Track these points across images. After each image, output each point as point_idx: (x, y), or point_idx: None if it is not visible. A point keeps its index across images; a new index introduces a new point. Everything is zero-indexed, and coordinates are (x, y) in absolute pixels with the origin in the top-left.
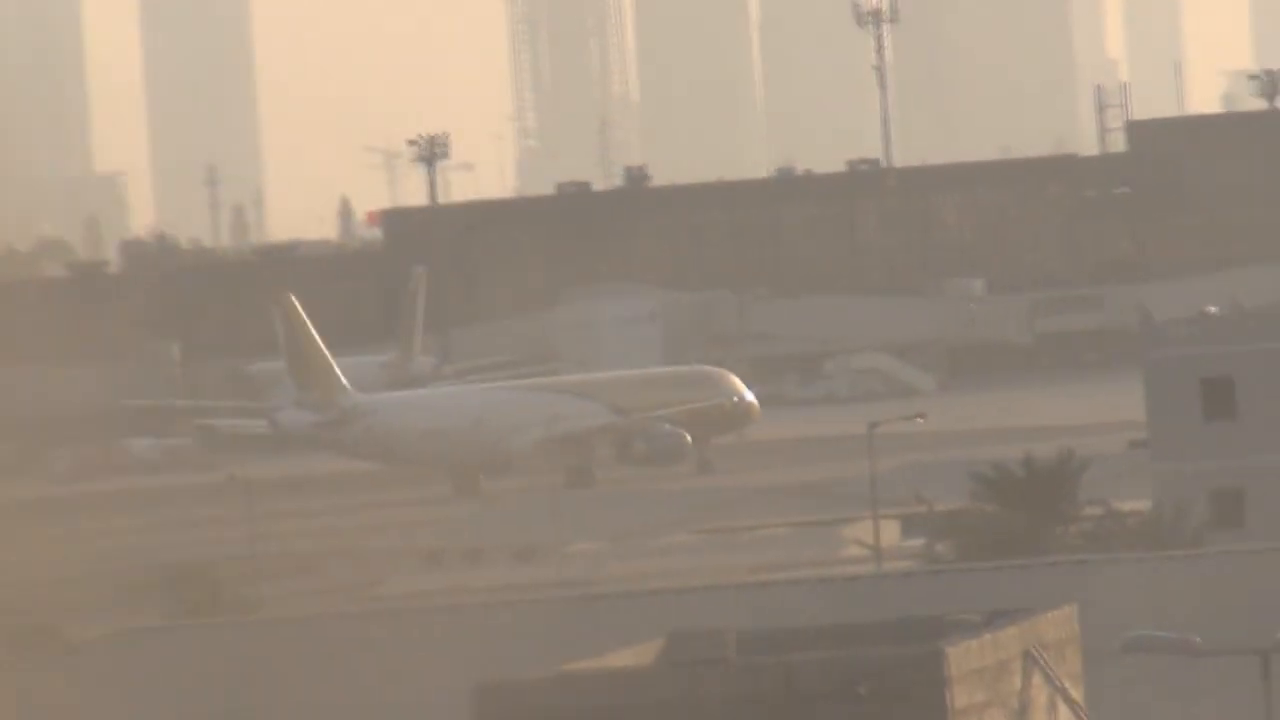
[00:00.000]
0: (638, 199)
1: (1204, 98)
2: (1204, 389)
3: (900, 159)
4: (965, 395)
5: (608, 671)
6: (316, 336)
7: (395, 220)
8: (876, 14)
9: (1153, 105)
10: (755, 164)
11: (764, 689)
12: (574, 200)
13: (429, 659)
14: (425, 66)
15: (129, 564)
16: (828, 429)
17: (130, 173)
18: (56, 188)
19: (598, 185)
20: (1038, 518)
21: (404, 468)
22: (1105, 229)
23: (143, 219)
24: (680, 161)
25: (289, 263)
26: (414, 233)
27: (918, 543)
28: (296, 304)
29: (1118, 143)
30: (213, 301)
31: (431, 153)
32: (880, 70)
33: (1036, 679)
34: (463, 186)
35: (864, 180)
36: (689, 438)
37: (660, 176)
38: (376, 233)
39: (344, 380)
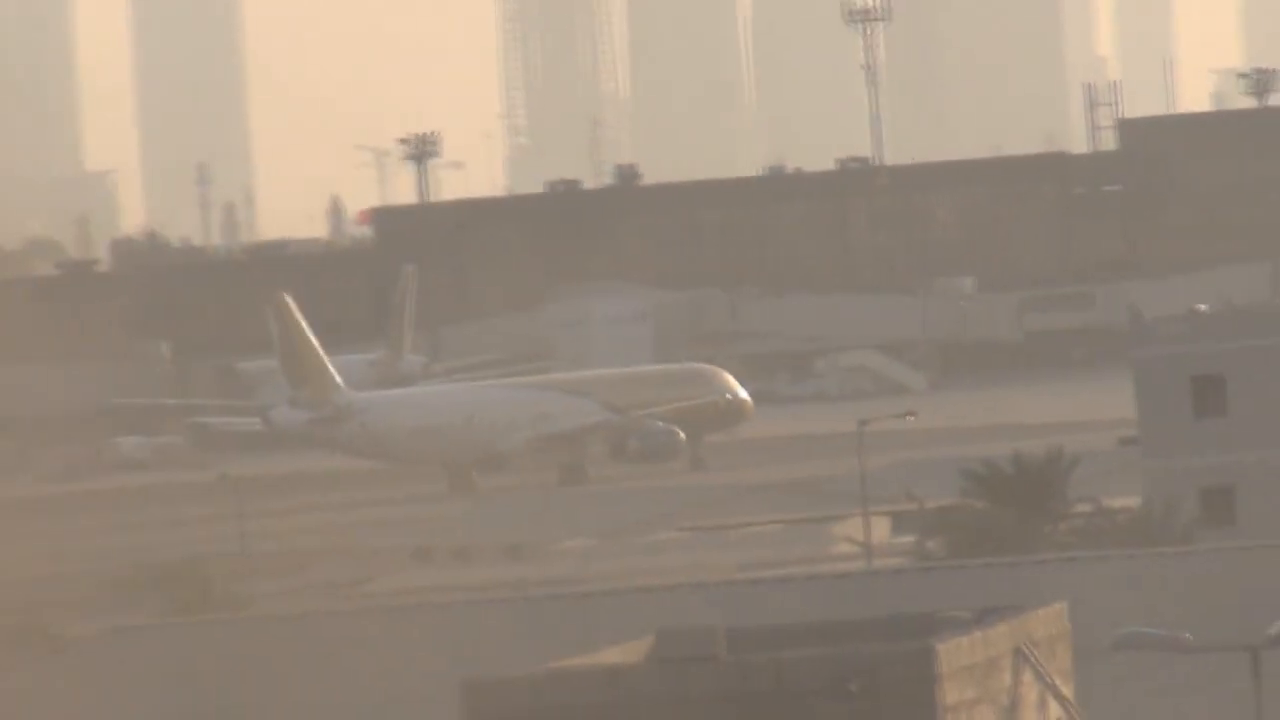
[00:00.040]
0: (628, 197)
1: (1194, 96)
2: (1194, 386)
3: (891, 157)
4: (956, 393)
5: (597, 669)
6: (311, 335)
7: (385, 219)
8: (867, 12)
9: (1143, 103)
10: (746, 162)
11: (754, 686)
12: (564, 198)
13: (419, 656)
14: (416, 65)
15: (120, 562)
16: (818, 427)
17: (121, 171)
18: (47, 186)
19: (588, 183)
20: (1028, 515)
21: (398, 465)
22: (1096, 227)
23: (133, 218)
24: (671, 160)
25: (279, 261)
26: (404, 231)
27: (908, 540)
28: (291, 302)
29: (1108, 141)
30: (203, 300)
31: (422, 151)
32: (871, 69)
33: (1027, 676)
34: (453, 185)
35: (854, 179)
36: (682, 435)
37: (651, 175)
38: (367, 231)
39: (338, 378)
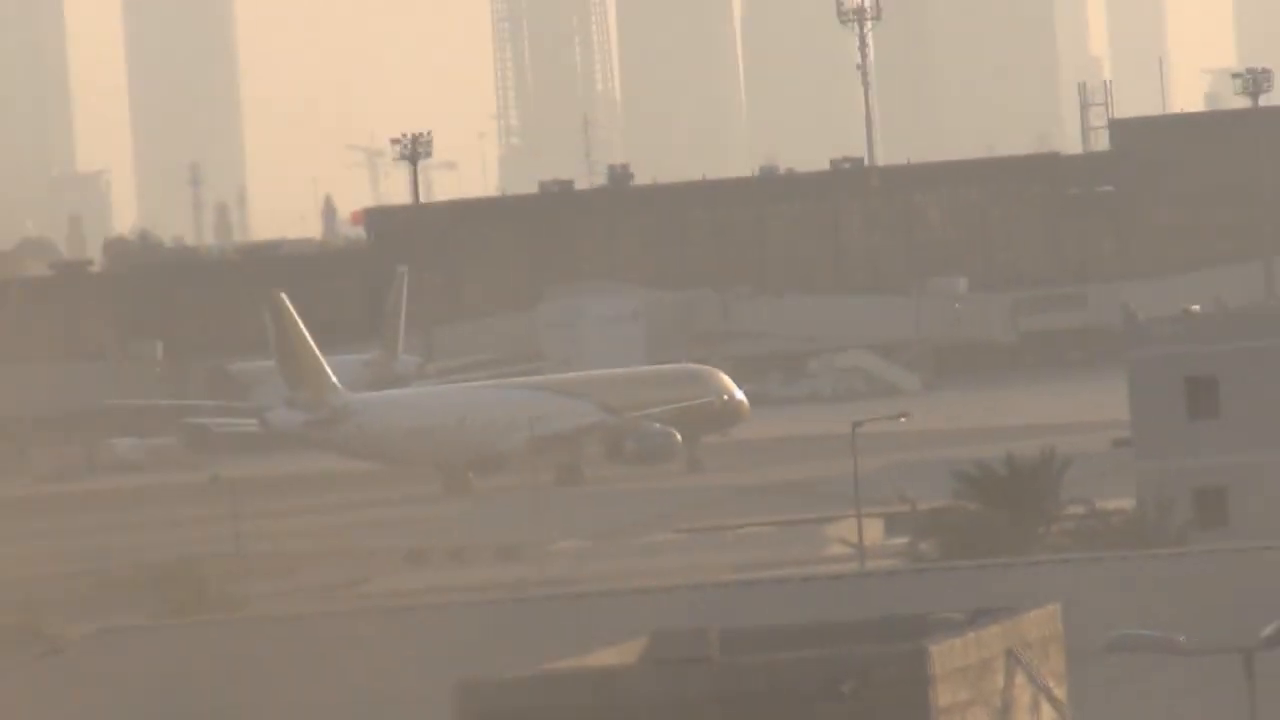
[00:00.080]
0: (621, 198)
1: (1187, 96)
2: (1188, 387)
3: (883, 157)
4: (949, 394)
5: (591, 670)
6: (307, 335)
7: (378, 219)
8: (859, 12)
9: (1136, 104)
10: (738, 163)
11: (747, 688)
12: (557, 199)
13: (412, 657)
14: (408, 65)
15: (114, 563)
16: (811, 428)
17: (114, 171)
18: (40, 186)
19: (581, 184)
20: (1021, 516)
21: (395, 466)
22: (1088, 227)
23: (126, 218)
24: (663, 160)
25: (272, 262)
26: (397, 231)
27: (901, 541)
28: (287, 303)
29: (1101, 141)
30: (196, 301)
31: (414, 151)
32: (863, 69)
33: (1020, 678)
34: (446, 185)
35: (847, 179)
36: (679, 436)
37: (643, 175)
38: (360, 231)
39: (335, 379)
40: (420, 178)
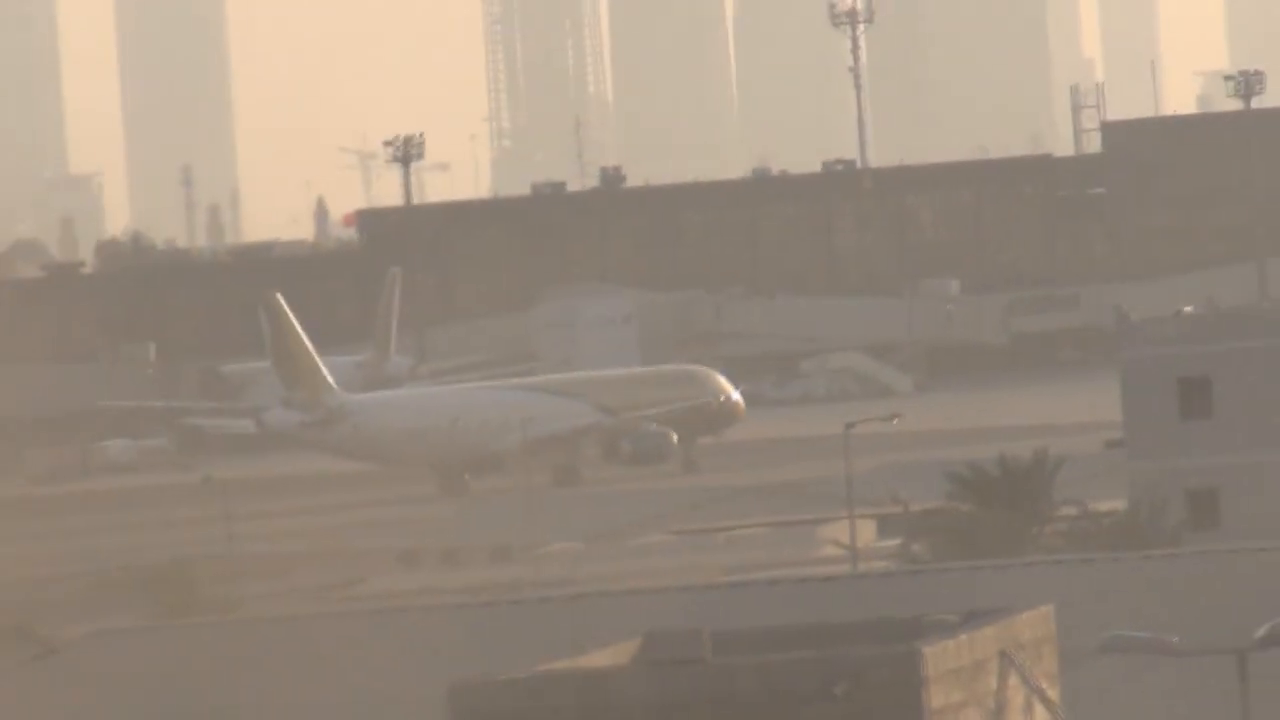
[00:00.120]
0: (613, 199)
1: (1179, 99)
2: (1180, 388)
3: (876, 159)
4: (941, 395)
5: (583, 671)
6: (303, 336)
7: (371, 221)
8: (852, 14)
9: (1128, 106)
10: (731, 164)
11: (740, 689)
12: (549, 200)
13: (405, 659)
14: (400, 67)
15: (106, 564)
16: (804, 429)
17: (106, 173)
18: (32, 188)
19: (573, 185)
20: (1014, 517)
21: (391, 467)
22: (1081, 229)
23: (118, 220)
24: (655, 162)
25: (264, 263)
26: (389, 233)
27: (894, 543)
28: (283, 303)
29: (1093, 143)
30: (188, 302)
31: (406, 153)
32: (856, 71)
33: (1013, 679)
34: (438, 187)
35: (840, 181)
36: (675, 437)
37: (635, 177)
38: (352, 233)
39: (331, 380)
40: (413, 179)
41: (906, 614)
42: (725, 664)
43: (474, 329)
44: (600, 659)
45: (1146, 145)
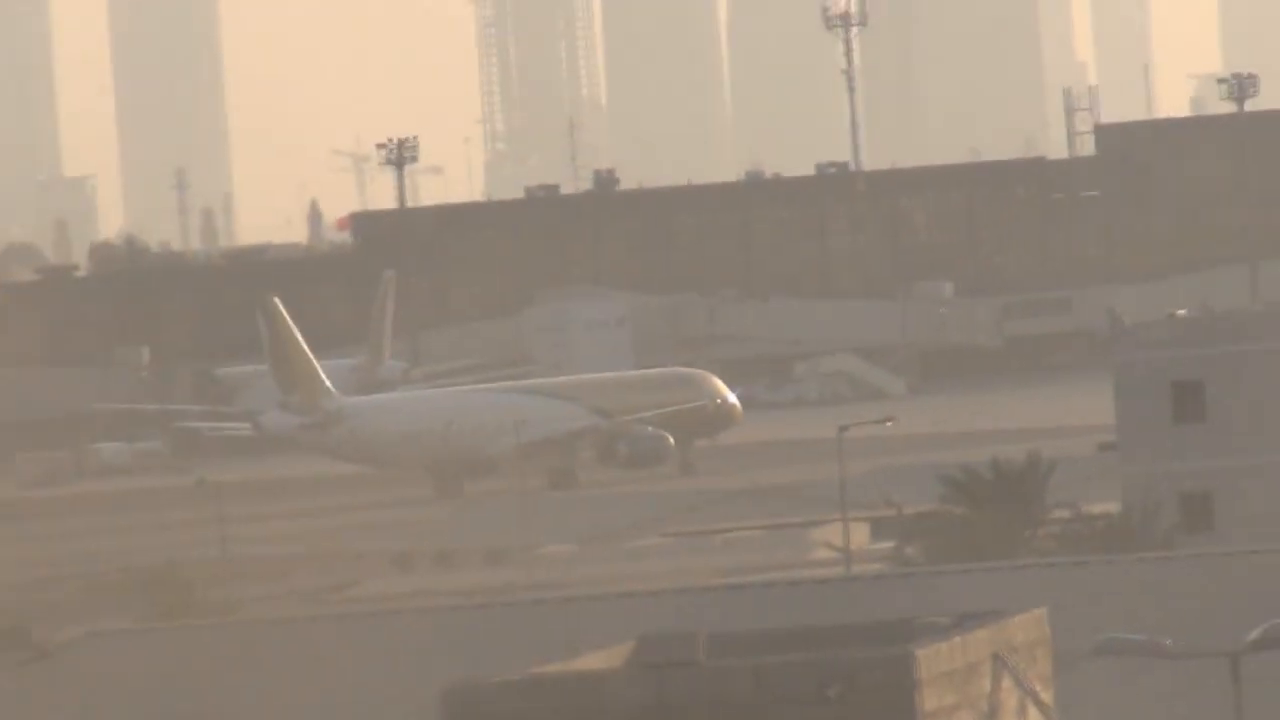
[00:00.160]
0: (606, 202)
1: (1172, 101)
2: (1174, 391)
3: (869, 162)
4: (935, 398)
5: (577, 674)
6: (300, 339)
7: (365, 224)
8: (845, 17)
9: (1121, 108)
10: (724, 167)
11: (734, 691)
12: (543, 203)
13: (400, 661)
14: (393, 70)
15: (102, 567)
16: (797, 432)
17: (99, 176)
18: (26, 191)
19: (566, 188)
20: (1007, 520)
21: (386, 470)
22: (1074, 232)
23: (112, 222)
24: (649, 164)
25: (258, 266)
26: (383, 236)
27: (887, 545)
28: (280, 307)
29: (1086, 146)
30: (182, 305)
31: (400, 156)
32: (849, 74)
33: (1006, 682)
34: (432, 190)
35: (833, 183)
36: (671, 440)
37: (629, 179)
38: (346, 236)
39: (328, 383)
40: (406, 182)
41: (900, 617)
42: (719, 666)
43: (468, 332)
44: (595, 661)
45: (1140, 148)
